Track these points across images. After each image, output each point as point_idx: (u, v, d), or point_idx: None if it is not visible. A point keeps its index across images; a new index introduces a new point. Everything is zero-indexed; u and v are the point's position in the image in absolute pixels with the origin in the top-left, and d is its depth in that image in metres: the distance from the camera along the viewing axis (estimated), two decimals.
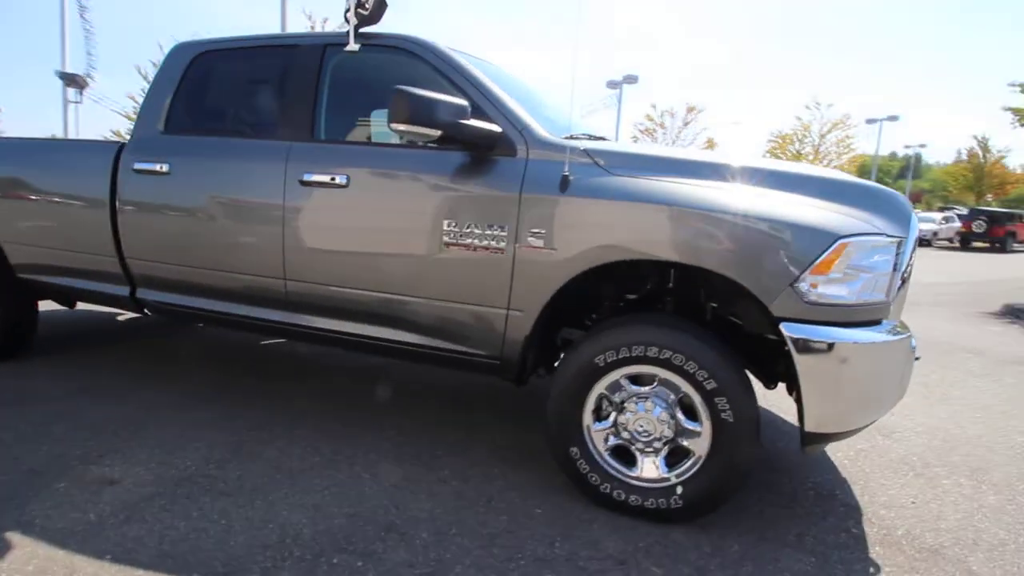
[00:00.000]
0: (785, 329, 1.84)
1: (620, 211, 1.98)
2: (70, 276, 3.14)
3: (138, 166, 2.78)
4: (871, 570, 1.87)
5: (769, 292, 1.85)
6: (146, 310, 3.05)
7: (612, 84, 24.43)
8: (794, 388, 1.94)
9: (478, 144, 2.16)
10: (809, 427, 1.89)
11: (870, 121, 29.59)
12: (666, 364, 1.96)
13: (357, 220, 2.39)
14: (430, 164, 2.29)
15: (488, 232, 2.14)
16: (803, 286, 1.83)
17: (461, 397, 3.30)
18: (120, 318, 4.70)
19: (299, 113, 2.54)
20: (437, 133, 2.05)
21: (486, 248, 2.14)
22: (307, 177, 2.43)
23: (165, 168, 2.72)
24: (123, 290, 3.01)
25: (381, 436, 2.66)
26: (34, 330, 3.59)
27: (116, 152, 2.89)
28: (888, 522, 2.16)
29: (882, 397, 1.98)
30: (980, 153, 21.71)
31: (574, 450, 2.11)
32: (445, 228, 2.20)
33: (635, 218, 1.97)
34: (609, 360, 2.02)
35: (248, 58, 2.84)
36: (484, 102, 2.25)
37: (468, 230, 2.17)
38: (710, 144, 28.65)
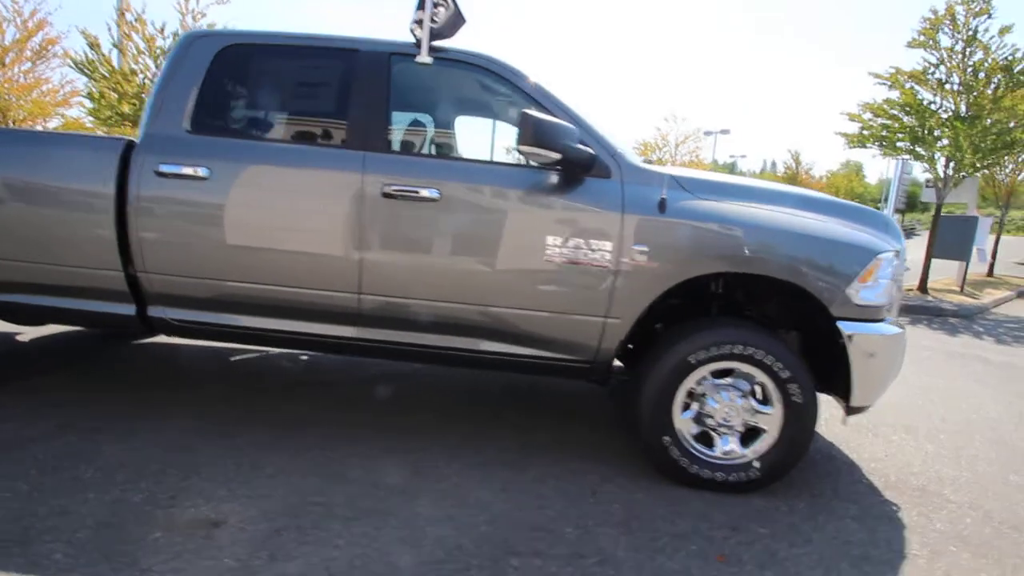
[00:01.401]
0: (841, 326, 2.32)
1: (715, 230, 2.31)
2: (45, 295, 2.64)
3: (165, 168, 2.46)
4: (894, 508, 2.43)
5: (830, 297, 2.32)
6: (154, 330, 2.69)
7: None
8: (833, 374, 2.44)
9: (581, 166, 2.34)
10: (855, 403, 2.40)
11: (707, 133, 34.34)
12: (748, 359, 2.34)
13: (449, 234, 2.42)
14: (525, 181, 2.40)
15: (593, 247, 2.33)
16: (852, 292, 2.33)
17: (481, 396, 3.40)
18: (25, 336, 3.93)
19: (372, 121, 2.47)
20: (557, 156, 2.20)
21: (590, 262, 2.34)
22: (390, 189, 2.39)
23: (202, 172, 2.45)
24: (125, 308, 2.62)
25: (447, 444, 2.69)
26: None
27: (123, 151, 2.52)
28: (880, 472, 2.78)
29: (893, 376, 2.56)
30: (794, 165, 26.45)
31: (667, 439, 2.40)
32: (549, 243, 2.34)
33: (728, 237, 2.31)
34: (701, 358, 2.35)
35: (291, 57, 2.64)
36: (581, 126, 2.42)
37: (572, 245, 2.34)
38: None
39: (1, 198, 2.58)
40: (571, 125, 2.27)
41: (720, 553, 2.00)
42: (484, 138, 2.98)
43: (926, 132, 8.97)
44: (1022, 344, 6.63)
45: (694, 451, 2.42)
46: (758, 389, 2.41)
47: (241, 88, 2.67)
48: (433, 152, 2.81)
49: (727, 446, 2.43)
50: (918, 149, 9.43)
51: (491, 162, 2.49)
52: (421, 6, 2.52)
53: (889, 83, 9.50)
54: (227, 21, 10.57)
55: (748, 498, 2.40)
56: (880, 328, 2.38)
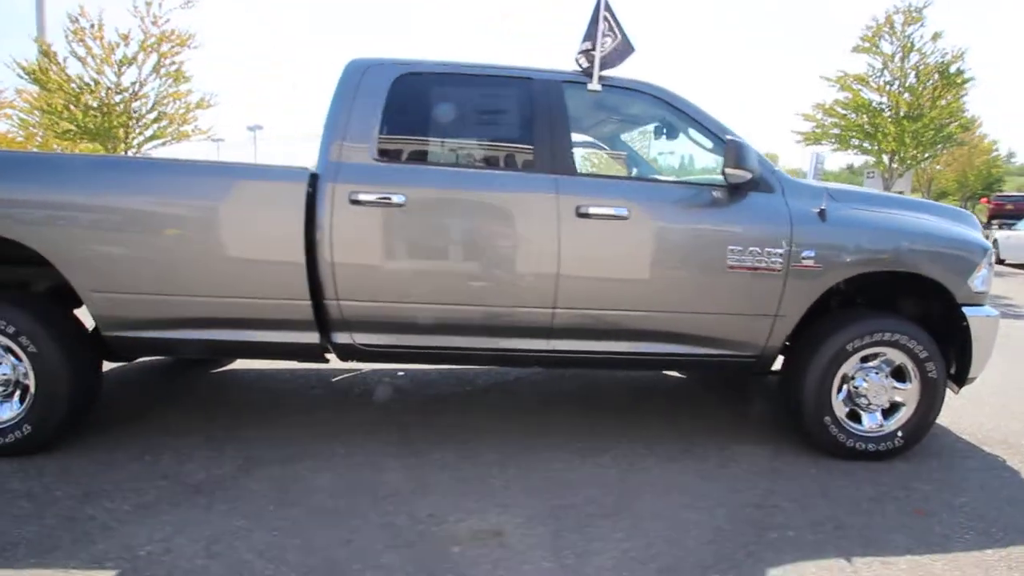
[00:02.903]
0: (966, 311, 2.76)
1: (870, 235, 2.68)
2: (207, 328, 2.60)
3: (361, 197, 2.50)
4: (1002, 457, 2.91)
5: (956, 287, 2.75)
6: (336, 355, 2.72)
7: None
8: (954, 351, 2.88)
9: (761, 183, 2.62)
10: (972, 375, 2.85)
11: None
12: (894, 344, 2.72)
13: (639, 248, 2.63)
14: (702, 197, 2.66)
15: (768, 254, 2.63)
16: (972, 282, 2.77)
17: (595, 393, 3.64)
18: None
19: (557, 146, 2.63)
20: (750, 175, 2.47)
21: (766, 268, 2.63)
22: (585, 209, 2.57)
23: (399, 199, 2.51)
24: (308, 337, 2.63)
25: (629, 440, 2.90)
26: (98, 397, 2.81)
27: (309, 180, 2.53)
28: (970, 433, 3.27)
29: (992, 352, 3.04)
30: None
31: (827, 419, 2.75)
32: (729, 251, 2.61)
33: (882, 240, 2.68)
34: (857, 345, 2.71)
35: (464, 85, 2.74)
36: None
37: (750, 253, 2.62)
38: None
39: (182, 232, 2.51)
40: (752, 146, 2.56)
41: (917, 507, 2.37)
42: (648, 157, 3.21)
43: (876, 130, 10.01)
44: None
45: (849, 428, 2.78)
46: (891, 369, 2.81)
47: (420, 116, 2.74)
48: (610, 172, 3.01)
49: (874, 421, 2.81)
50: (866, 145, 10.51)
51: (669, 180, 2.72)
52: (588, 37, 2.71)
53: (838, 86, 10.51)
54: (189, 25, 10.04)
55: (892, 464, 2.80)
56: (987, 311, 2.85)
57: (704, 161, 3.20)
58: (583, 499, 2.35)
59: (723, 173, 2.48)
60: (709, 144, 2.80)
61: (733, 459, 2.76)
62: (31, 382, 2.57)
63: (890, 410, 2.83)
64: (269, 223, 2.53)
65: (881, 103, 10.16)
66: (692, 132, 2.83)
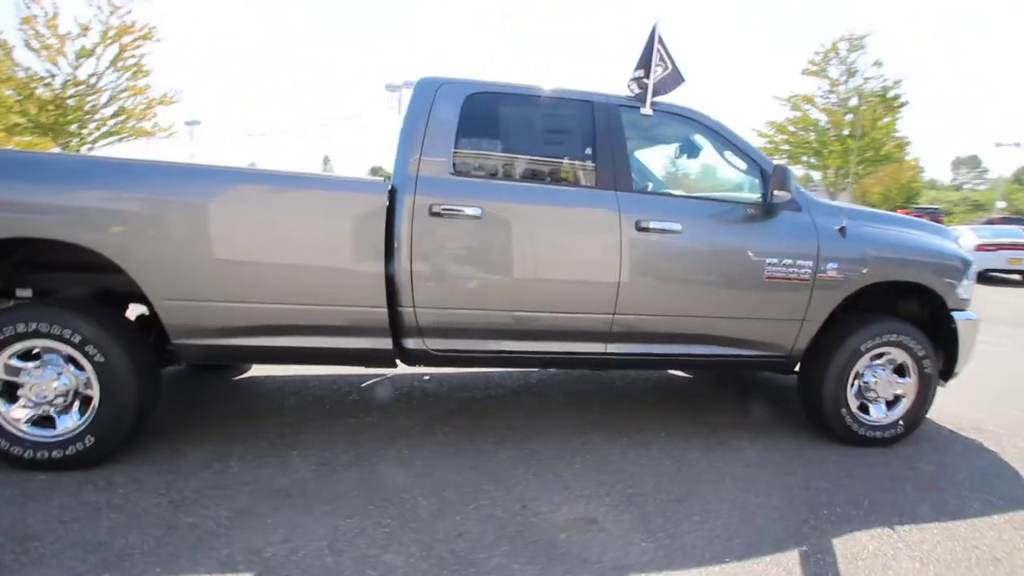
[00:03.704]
0: (954, 315, 3.20)
1: (881, 249, 3.07)
2: (279, 335, 2.64)
3: (440, 208, 2.62)
4: (979, 441, 3.38)
5: (948, 294, 3.19)
6: (401, 360, 2.82)
7: (391, 88, 24.61)
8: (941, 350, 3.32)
9: (794, 203, 2.95)
10: (957, 370, 3.30)
11: None
12: (899, 344, 3.13)
13: (691, 258, 2.89)
14: (743, 214, 2.96)
15: (799, 266, 2.96)
16: (960, 290, 3.22)
17: (621, 392, 3.90)
18: None
19: (617, 164, 2.85)
20: (790, 196, 2.79)
21: (797, 277, 2.96)
22: (645, 224, 2.81)
23: (475, 212, 2.66)
24: (382, 343, 2.72)
25: (622, 437, 3.16)
26: (156, 406, 2.78)
27: (389, 192, 2.63)
28: (948, 422, 3.74)
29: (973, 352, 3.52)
30: None
31: (843, 411, 3.12)
32: (768, 263, 2.93)
33: (891, 254, 3.08)
34: (868, 346, 3.09)
35: (529, 105, 2.91)
36: (768, 167, 3.03)
37: (784, 265, 2.94)
38: None
39: (262, 241, 2.54)
40: (789, 168, 2.88)
41: (929, 484, 2.76)
42: (686, 175, 3.47)
43: (823, 147, 10.92)
44: None
45: (860, 419, 3.16)
46: (894, 367, 3.22)
47: (490, 133, 2.88)
48: (660, 190, 3.25)
49: (880, 412, 3.21)
50: (813, 160, 11.43)
51: (714, 198, 3.01)
52: (641, 65, 2.96)
53: (790, 104, 11.39)
54: (151, 19, 9.58)
55: (896, 449, 3.20)
56: (970, 315, 3.31)
57: (724, 178, 3.54)
58: (651, 487, 2.58)
59: (769, 194, 2.79)
60: (743, 165, 3.11)
61: (769, 449, 3.08)
62: (94, 392, 2.52)
63: (893, 402, 3.24)
64: (350, 233, 2.61)
65: (827, 123, 11.09)
66: (727, 154, 3.13)
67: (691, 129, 3.10)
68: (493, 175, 2.85)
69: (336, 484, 2.49)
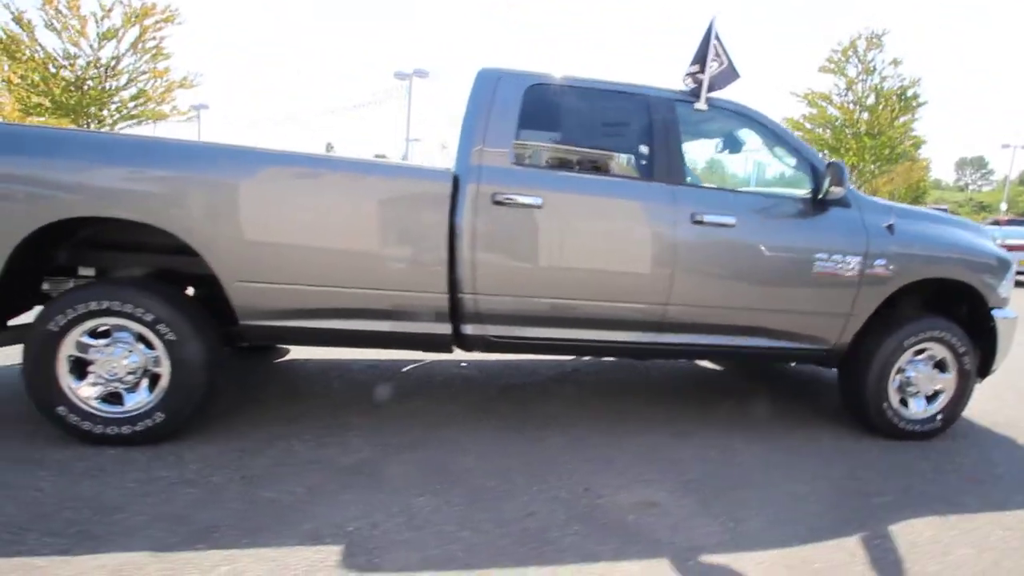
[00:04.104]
0: (994, 313, 3.26)
1: (929, 247, 3.12)
2: (342, 318, 2.70)
3: (503, 198, 2.67)
4: (1011, 436, 3.46)
5: (989, 293, 3.24)
6: (458, 346, 2.87)
7: (401, 76, 24.53)
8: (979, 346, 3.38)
9: (845, 199, 3.00)
10: (994, 367, 3.37)
11: None
12: (940, 340, 3.19)
13: (744, 253, 2.94)
14: (795, 209, 3.01)
15: (848, 261, 3.01)
16: (1001, 289, 3.28)
17: (653, 387, 3.97)
18: None
19: (672, 158, 2.90)
20: (844, 192, 2.84)
21: (845, 273, 3.02)
22: (700, 217, 2.86)
23: (536, 201, 2.71)
24: (441, 328, 2.78)
25: (666, 427, 3.23)
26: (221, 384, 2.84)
27: (453, 180, 2.67)
28: (978, 419, 3.81)
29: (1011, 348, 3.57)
30: None
31: (885, 405, 3.18)
32: (817, 258, 2.98)
33: (938, 252, 3.13)
34: (911, 342, 3.15)
35: (588, 98, 2.95)
36: (818, 163, 3.08)
37: (833, 260, 3.00)
38: None
39: (331, 226, 2.59)
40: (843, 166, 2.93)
41: (970, 476, 2.83)
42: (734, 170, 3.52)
43: (839, 144, 10.94)
44: None
45: (900, 411, 3.23)
46: (934, 362, 3.28)
47: (550, 124, 2.92)
48: (712, 184, 3.30)
49: (920, 407, 3.28)
50: (828, 157, 11.44)
51: (766, 193, 3.06)
52: (697, 60, 2.99)
53: (806, 101, 11.38)
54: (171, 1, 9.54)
55: (933, 443, 3.27)
56: (1010, 313, 3.37)
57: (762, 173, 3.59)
58: (703, 474, 2.65)
59: (824, 190, 2.84)
60: (793, 161, 3.16)
61: (809, 440, 3.15)
62: (164, 370, 2.58)
63: (932, 397, 3.30)
64: (415, 220, 2.66)
65: (843, 120, 11.11)
66: (777, 150, 3.17)
67: (741, 124, 3.14)
68: (552, 165, 2.89)
69: (400, 465, 2.55)
